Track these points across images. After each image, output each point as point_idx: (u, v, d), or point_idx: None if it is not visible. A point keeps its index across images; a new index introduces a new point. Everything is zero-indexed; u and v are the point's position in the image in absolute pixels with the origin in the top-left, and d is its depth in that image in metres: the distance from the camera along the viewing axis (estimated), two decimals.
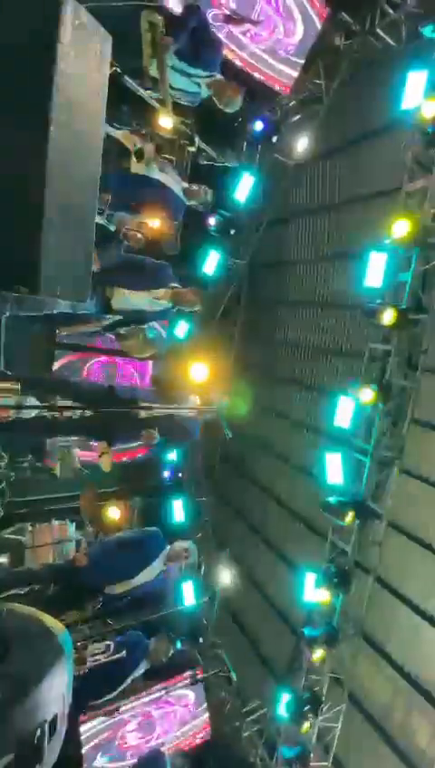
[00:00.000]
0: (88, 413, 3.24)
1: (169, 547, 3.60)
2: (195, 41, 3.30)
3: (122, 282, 3.40)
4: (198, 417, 3.64)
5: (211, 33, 3.58)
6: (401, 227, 4.19)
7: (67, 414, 3.31)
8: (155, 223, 3.78)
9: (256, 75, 5.13)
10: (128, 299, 3.38)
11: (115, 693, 3.84)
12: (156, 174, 3.54)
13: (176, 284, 3.70)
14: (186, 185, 3.89)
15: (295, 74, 5.22)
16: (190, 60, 3.28)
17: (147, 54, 3.06)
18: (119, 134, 3.22)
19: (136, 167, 3.41)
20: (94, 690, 3.66)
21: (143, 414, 3.14)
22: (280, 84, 5.27)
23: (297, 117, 5.88)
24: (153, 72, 3.10)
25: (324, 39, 5.05)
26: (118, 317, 3.57)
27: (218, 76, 3.54)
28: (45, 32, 1.57)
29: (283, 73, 5.20)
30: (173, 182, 3.68)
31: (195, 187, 3.88)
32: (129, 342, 3.63)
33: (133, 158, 3.30)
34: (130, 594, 3.36)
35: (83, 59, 1.70)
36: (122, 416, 3.16)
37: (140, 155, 3.25)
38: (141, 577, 3.37)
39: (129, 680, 3.55)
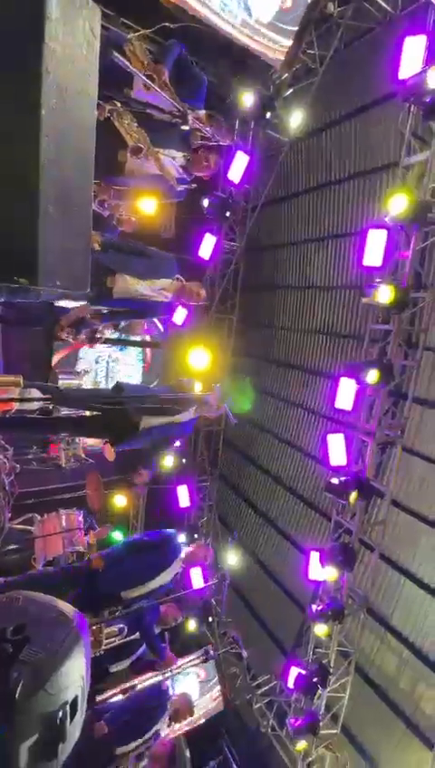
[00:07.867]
0: (89, 413, 3.22)
1: (184, 549, 3.59)
2: (178, 72, 3.27)
3: (126, 266, 3.33)
4: (194, 413, 3.61)
5: (194, 68, 3.54)
6: (398, 203, 4.09)
7: (69, 414, 3.29)
8: (150, 206, 3.70)
9: (248, 45, 4.94)
10: (131, 286, 3.31)
11: (128, 663, 3.95)
12: (151, 168, 3.46)
13: (180, 277, 3.66)
14: (185, 158, 3.73)
15: (288, 43, 5.02)
16: (177, 89, 3.21)
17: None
18: (121, 128, 3.12)
19: (131, 162, 3.34)
20: (108, 661, 3.76)
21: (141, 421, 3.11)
22: (273, 54, 5.07)
23: (290, 91, 5.69)
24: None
25: (317, 6, 4.84)
26: (119, 308, 3.52)
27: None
28: (31, 8, 1.49)
29: (275, 43, 5.01)
30: (172, 167, 3.58)
31: (199, 152, 3.72)
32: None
33: (128, 153, 3.22)
34: (147, 596, 3.35)
35: (72, 36, 1.62)
36: (123, 416, 3.11)
37: (136, 152, 3.18)
38: (158, 581, 3.34)
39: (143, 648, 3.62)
